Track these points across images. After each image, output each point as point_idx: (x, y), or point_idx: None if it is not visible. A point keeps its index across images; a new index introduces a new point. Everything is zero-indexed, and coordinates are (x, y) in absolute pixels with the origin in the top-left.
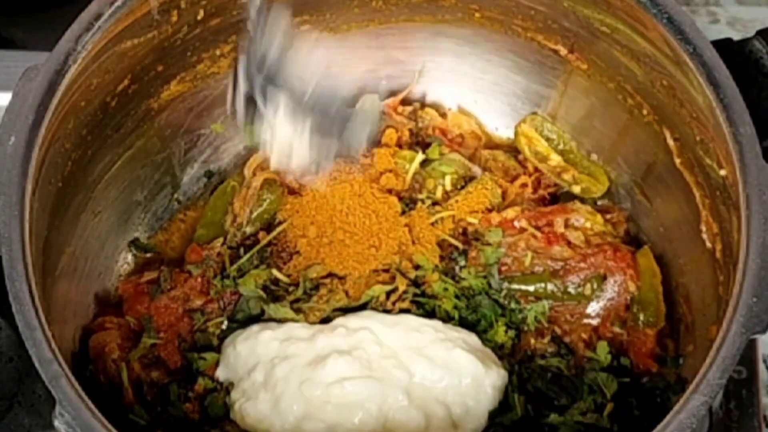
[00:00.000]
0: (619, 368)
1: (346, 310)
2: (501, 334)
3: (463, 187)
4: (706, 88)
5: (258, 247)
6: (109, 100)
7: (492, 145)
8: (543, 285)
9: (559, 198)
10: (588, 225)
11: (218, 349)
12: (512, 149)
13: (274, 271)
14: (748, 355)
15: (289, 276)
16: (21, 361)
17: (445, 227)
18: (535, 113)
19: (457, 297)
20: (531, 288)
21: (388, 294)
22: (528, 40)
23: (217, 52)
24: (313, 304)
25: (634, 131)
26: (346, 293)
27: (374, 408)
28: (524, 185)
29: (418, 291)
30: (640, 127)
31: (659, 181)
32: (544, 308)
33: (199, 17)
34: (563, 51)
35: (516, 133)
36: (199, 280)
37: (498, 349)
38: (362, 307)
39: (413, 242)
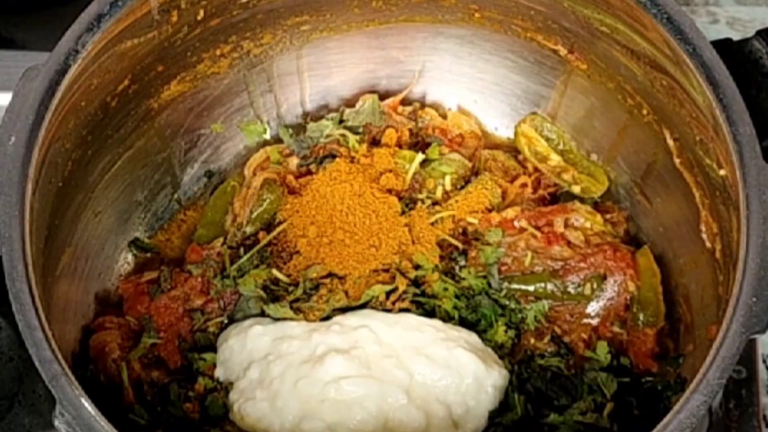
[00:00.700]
0: (618, 368)
1: (346, 310)
2: (501, 333)
3: (463, 187)
4: (706, 88)
5: (258, 247)
6: (109, 100)
7: (492, 145)
8: (543, 285)
9: (558, 198)
10: (588, 225)
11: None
12: (512, 149)
13: (274, 271)
14: (747, 355)
15: (289, 276)
16: (21, 360)
17: (445, 227)
18: (534, 113)
19: (457, 297)
20: (531, 288)
21: (388, 294)
22: (528, 40)
23: (217, 52)
24: (313, 303)
25: (634, 131)
26: (346, 293)
27: (374, 407)
28: (524, 185)
29: (418, 291)
30: (640, 127)
31: (659, 181)
32: (543, 308)
33: (199, 17)
34: (563, 51)
35: (516, 133)
36: (199, 279)
37: (498, 349)
38: (362, 307)
39: (413, 242)
